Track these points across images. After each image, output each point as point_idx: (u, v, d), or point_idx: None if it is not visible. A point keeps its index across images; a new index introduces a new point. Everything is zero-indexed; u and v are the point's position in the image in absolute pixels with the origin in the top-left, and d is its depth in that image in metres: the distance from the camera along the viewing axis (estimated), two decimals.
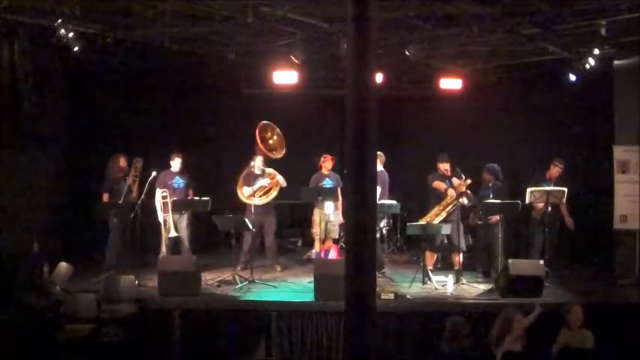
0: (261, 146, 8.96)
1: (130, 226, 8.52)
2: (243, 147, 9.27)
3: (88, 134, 9.70)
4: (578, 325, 6.29)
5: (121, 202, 8.49)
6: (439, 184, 8.67)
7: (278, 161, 9.17)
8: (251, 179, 9.05)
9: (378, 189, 9.24)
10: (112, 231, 8.70)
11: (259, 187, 9.06)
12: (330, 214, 9.16)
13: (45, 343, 6.86)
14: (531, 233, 9.22)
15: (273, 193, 9.10)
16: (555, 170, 9.05)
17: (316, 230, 9.21)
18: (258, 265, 9.02)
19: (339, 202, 9.10)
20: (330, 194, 9.03)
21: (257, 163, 9.06)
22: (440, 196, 8.66)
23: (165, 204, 8.81)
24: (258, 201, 9.01)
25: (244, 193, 9.00)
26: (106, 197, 8.75)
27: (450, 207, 8.56)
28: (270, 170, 9.09)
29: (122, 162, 8.78)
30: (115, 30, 8.30)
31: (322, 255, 9.19)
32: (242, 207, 9.03)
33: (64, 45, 7.87)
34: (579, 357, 6.21)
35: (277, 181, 9.07)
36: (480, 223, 9.01)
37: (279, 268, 9.28)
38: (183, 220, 8.96)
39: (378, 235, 9.29)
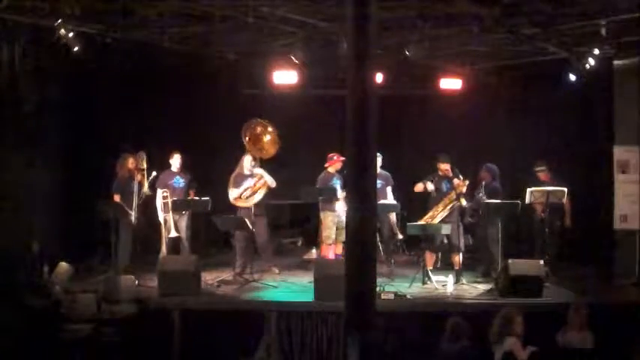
0: (246, 143, 8.80)
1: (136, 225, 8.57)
2: (243, 147, 9.25)
3: (88, 134, 9.70)
4: (582, 325, 6.30)
5: (135, 201, 8.52)
6: (418, 187, 8.69)
7: (277, 161, 9.15)
8: (239, 181, 8.88)
9: (389, 189, 9.26)
10: (121, 230, 8.67)
11: (246, 188, 8.84)
12: (342, 214, 9.01)
13: (45, 343, 6.86)
14: (533, 233, 9.22)
15: (260, 195, 8.83)
16: (542, 174, 9.06)
17: (328, 234, 9.04)
18: (257, 266, 9.00)
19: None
20: (334, 195, 8.97)
21: (245, 163, 8.89)
22: (439, 196, 8.68)
23: (165, 204, 8.80)
24: (244, 203, 8.77)
25: (231, 195, 8.83)
26: (117, 198, 8.75)
27: (449, 207, 8.58)
28: (257, 170, 8.89)
29: (131, 162, 8.78)
30: (115, 30, 8.29)
31: (324, 256, 9.15)
32: (234, 209, 8.88)
33: (64, 45, 7.87)
34: (579, 357, 6.21)
35: (264, 182, 8.83)
36: (472, 221, 9.01)
37: (277, 271, 9.07)
38: (184, 220, 8.94)
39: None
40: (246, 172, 8.90)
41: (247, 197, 8.83)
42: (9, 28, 8.06)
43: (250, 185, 8.85)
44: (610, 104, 9.17)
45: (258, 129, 8.99)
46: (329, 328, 7.43)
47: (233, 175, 8.95)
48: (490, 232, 8.76)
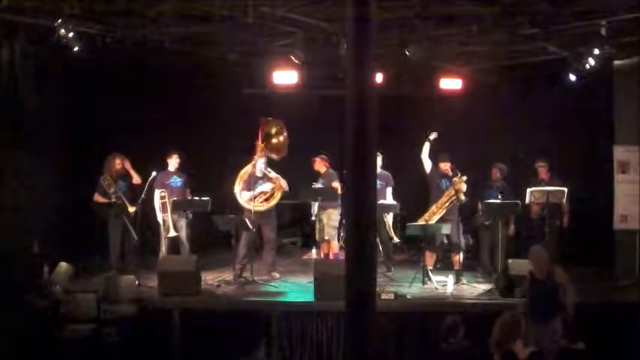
0: (262, 145, 8.72)
1: (125, 225, 8.56)
2: (244, 147, 9.25)
3: (88, 134, 9.70)
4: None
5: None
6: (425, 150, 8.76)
7: (277, 161, 9.13)
8: (252, 182, 8.77)
9: (389, 190, 9.25)
10: (111, 231, 8.71)
11: (260, 192, 8.78)
12: (314, 213, 9.07)
13: (45, 343, 6.86)
14: (532, 233, 9.22)
15: (275, 199, 8.77)
16: (542, 170, 9.07)
17: (315, 232, 9.16)
18: (257, 266, 8.97)
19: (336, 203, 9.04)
20: (325, 195, 8.95)
21: (259, 165, 8.79)
22: (439, 194, 8.69)
23: (163, 204, 8.79)
24: (259, 207, 8.68)
25: (243, 197, 8.72)
26: (97, 197, 8.75)
27: (448, 204, 8.59)
28: (273, 174, 8.80)
29: (116, 163, 8.76)
30: (115, 30, 8.29)
31: (323, 255, 9.16)
32: (241, 208, 8.80)
33: (64, 45, 7.87)
34: (578, 357, 6.21)
35: (280, 186, 8.78)
36: (486, 224, 9.00)
37: (277, 276, 8.86)
38: (182, 220, 8.92)
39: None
40: (259, 174, 8.81)
41: (262, 201, 8.74)
42: (9, 28, 8.07)
43: (266, 190, 8.77)
44: (610, 104, 9.17)
45: (274, 129, 8.91)
46: (329, 328, 7.43)
47: (244, 175, 8.81)
48: (492, 232, 8.77)
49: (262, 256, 8.98)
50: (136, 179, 8.75)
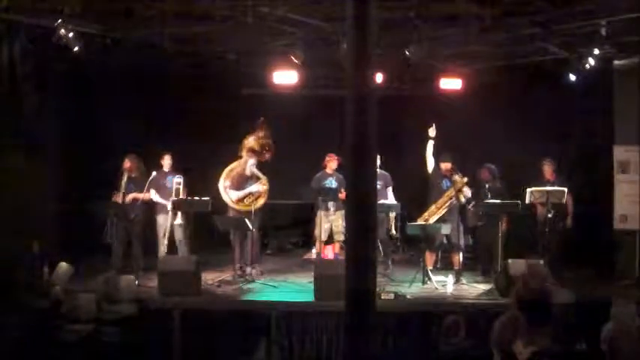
0: (255, 143, 8.77)
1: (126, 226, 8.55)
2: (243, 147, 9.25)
3: (88, 134, 9.70)
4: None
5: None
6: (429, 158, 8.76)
7: (277, 161, 9.13)
8: (241, 182, 8.83)
9: (389, 190, 9.25)
10: (117, 231, 8.70)
11: (249, 193, 8.82)
12: (332, 214, 9.05)
13: (45, 343, 6.86)
14: (534, 233, 9.22)
15: (262, 200, 8.82)
16: (548, 169, 9.05)
17: (317, 232, 9.15)
18: (259, 266, 8.99)
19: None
20: (333, 194, 8.97)
21: (248, 165, 8.83)
22: (439, 193, 8.69)
23: (160, 204, 8.80)
24: (247, 207, 8.72)
25: (232, 197, 8.77)
26: (114, 196, 8.76)
27: (448, 204, 8.59)
28: (262, 176, 8.85)
29: (126, 163, 8.78)
30: (115, 30, 8.29)
31: (323, 255, 9.16)
32: (225, 209, 8.85)
33: (64, 45, 7.87)
34: (575, 357, 6.20)
35: (266, 188, 8.82)
36: (480, 224, 9.02)
37: (260, 270, 8.95)
38: (179, 219, 8.90)
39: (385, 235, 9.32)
40: (248, 173, 8.83)
41: (250, 203, 8.76)
42: (9, 28, 8.07)
43: (255, 191, 8.81)
44: (610, 104, 9.17)
45: (262, 132, 8.99)
46: (329, 328, 7.43)
47: (232, 174, 8.85)
48: (491, 231, 8.77)
49: (251, 254, 8.95)
50: (145, 196, 8.75)
